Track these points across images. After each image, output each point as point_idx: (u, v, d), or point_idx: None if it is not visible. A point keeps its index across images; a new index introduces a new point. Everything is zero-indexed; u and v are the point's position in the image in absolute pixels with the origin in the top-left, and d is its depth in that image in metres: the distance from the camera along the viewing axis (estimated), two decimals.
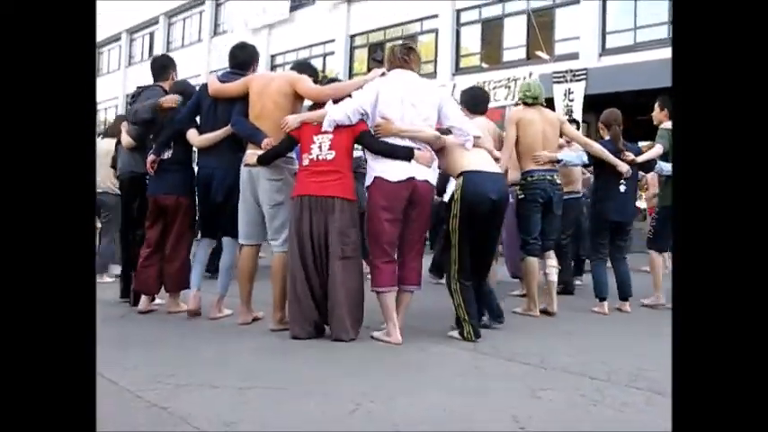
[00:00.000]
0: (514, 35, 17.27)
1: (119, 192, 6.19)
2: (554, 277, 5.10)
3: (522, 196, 4.95)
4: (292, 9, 23.22)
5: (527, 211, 4.94)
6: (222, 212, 4.52)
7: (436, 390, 2.86)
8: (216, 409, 2.51)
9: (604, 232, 5.35)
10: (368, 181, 3.95)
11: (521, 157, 5.04)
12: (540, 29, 16.18)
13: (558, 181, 5.07)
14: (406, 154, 3.83)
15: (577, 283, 6.85)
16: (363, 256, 4.32)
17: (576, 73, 14.86)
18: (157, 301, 4.97)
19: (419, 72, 4.11)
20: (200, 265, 4.74)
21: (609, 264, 5.43)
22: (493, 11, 17.99)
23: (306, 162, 3.96)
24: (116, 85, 30.20)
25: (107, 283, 6.09)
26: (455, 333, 4.03)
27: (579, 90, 14.65)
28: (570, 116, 11.42)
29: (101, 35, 29.52)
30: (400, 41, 4.23)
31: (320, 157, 3.91)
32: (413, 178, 3.82)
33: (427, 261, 4.25)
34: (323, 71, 18.42)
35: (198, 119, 4.66)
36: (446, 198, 3.98)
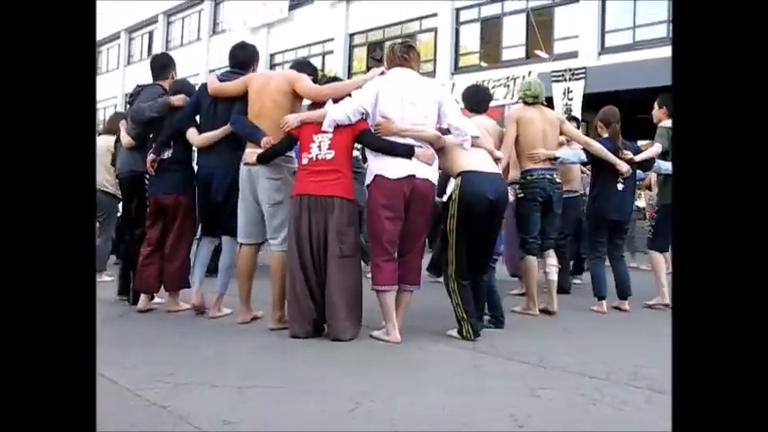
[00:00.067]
0: (513, 34, 17.27)
1: (115, 191, 6.19)
2: (554, 276, 5.10)
3: (522, 195, 4.94)
4: (291, 8, 23.22)
5: (526, 210, 4.94)
6: (222, 211, 4.52)
7: (435, 389, 2.86)
8: (215, 408, 2.51)
9: (603, 231, 5.35)
10: (368, 179, 3.95)
11: (520, 156, 5.05)
12: (540, 28, 16.19)
13: (558, 180, 5.07)
14: (406, 151, 3.82)
15: (577, 281, 6.86)
16: (363, 256, 4.32)
17: (575, 72, 14.87)
18: (156, 300, 4.97)
19: (419, 70, 4.10)
20: (201, 263, 4.76)
21: (607, 262, 5.44)
22: (492, 10, 17.98)
23: (305, 161, 3.96)
24: (115, 84, 30.18)
25: (106, 282, 6.08)
26: (454, 332, 4.03)
27: (578, 89, 14.66)
28: (569, 114, 11.42)
29: (100, 34, 29.47)
30: (399, 40, 4.19)
31: (319, 157, 3.91)
32: (413, 176, 3.82)
33: (425, 260, 4.24)
34: (322, 70, 18.41)
35: (198, 118, 4.66)
36: (444, 198, 3.98)
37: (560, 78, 14.83)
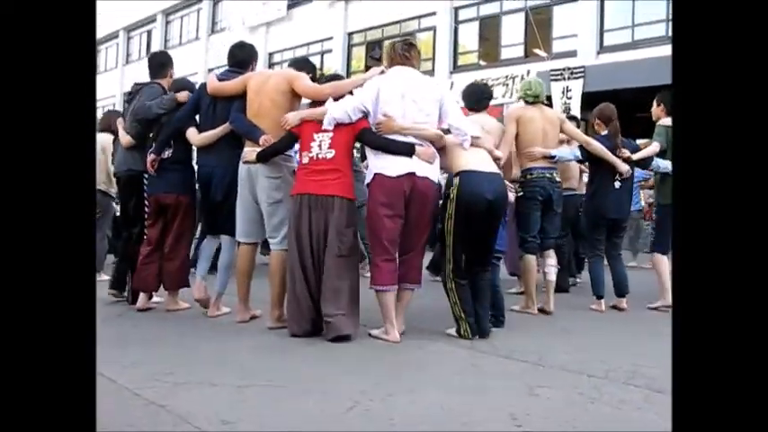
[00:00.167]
0: (512, 33, 17.25)
1: (107, 188, 6.17)
2: (552, 276, 5.10)
3: (522, 194, 4.94)
4: (290, 7, 23.20)
5: (526, 209, 4.94)
6: (221, 211, 4.52)
7: (434, 388, 2.87)
8: (214, 408, 2.51)
9: (601, 229, 5.35)
10: (368, 178, 3.95)
11: (520, 155, 5.05)
12: (538, 26, 16.17)
13: (558, 179, 5.07)
14: (407, 150, 3.81)
15: (577, 281, 6.86)
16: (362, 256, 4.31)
17: (574, 71, 14.87)
18: (155, 298, 4.97)
19: (420, 69, 4.10)
20: (206, 259, 4.78)
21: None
22: (491, 8, 17.97)
23: (305, 160, 3.96)
24: (113, 83, 30.14)
25: (104, 281, 6.06)
26: (452, 331, 4.04)
27: (577, 88, 14.66)
28: (568, 113, 11.42)
29: (98, 33, 29.42)
30: (400, 38, 4.18)
31: (320, 156, 3.91)
32: (413, 174, 3.81)
33: (426, 258, 4.24)
34: (321, 69, 18.41)
35: (197, 118, 4.66)
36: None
37: (559, 77, 14.84)
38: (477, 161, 3.96)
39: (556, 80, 14.79)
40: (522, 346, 3.80)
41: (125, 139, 4.92)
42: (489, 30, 18.09)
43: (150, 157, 4.68)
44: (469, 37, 18.57)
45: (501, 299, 4.42)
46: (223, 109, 4.43)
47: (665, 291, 5.28)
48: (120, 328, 4.21)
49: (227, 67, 4.73)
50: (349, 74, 19.81)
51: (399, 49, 4.02)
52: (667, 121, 5.40)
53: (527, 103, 5.15)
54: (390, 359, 3.48)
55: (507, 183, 4.46)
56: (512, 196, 4.67)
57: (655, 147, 5.31)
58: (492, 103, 5.28)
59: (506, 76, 16.34)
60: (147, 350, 3.58)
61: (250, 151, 4.18)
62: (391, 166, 3.82)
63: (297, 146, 4.26)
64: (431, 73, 17.86)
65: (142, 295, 4.84)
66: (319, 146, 3.92)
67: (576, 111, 13.71)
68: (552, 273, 5.09)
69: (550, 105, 9.63)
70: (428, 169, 3.87)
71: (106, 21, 29.10)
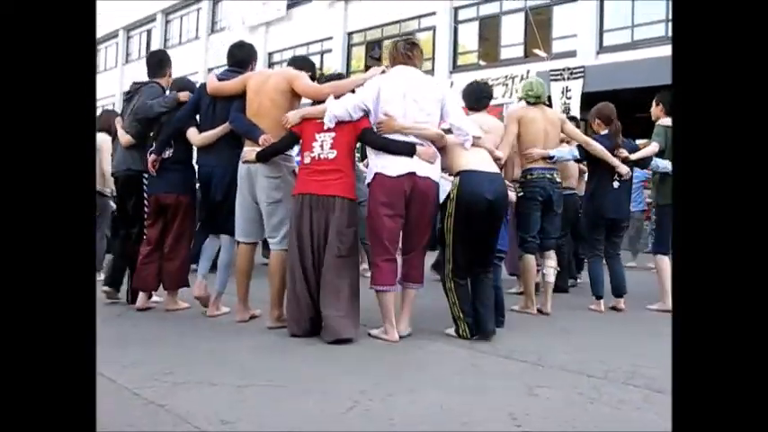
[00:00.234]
0: (512, 33, 17.24)
1: (102, 188, 6.15)
2: (551, 278, 5.10)
3: (522, 194, 4.94)
4: (289, 6, 23.18)
5: (526, 210, 4.94)
6: (220, 210, 4.52)
7: (434, 388, 2.87)
8: (214, 407, 2.51)
9: (600, 229, 5.34)
10: (369, 177, 3.95)
11: (521, 156, 5.05)
12: (538, 27, 16.16)
13: (558, 179, 5.07)
14: (407, 150, 3.81)
15: (579, 281, 6.85)
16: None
17: (574, 71, 14.86)
18: (155, 298, 4.97)
19: (422, 68, 4.09)
20: (207, 257, 4.78)
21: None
22: (490, 8, 17.96)
23: (307, 160, 3.95)
24: (113, 82, 30.13)
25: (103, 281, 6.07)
26: (451, 330, 4.04)
27: (577, 88, 14.65)
28: (568, 113, 11.43)
29: (98, 33, 29.45)
30: (403, 37, 4.17)
31: (322, 156, 3.90)
32: (413, 173, 3.81)
33: (429, 258, 4.23)
34: (320, 69, 18.41)
35: (197, 118, 4.66)
36: (442, 197, 3.97)
37: (559, 77, 14.83)
38: (477, 161, 3.96)
39: (555, 80, 14.78)
40: (522, 346, 3.80)
41: (125, 138, 4.91)
42: (489, 30, 18.09)
43: (151, 157, 4.68)
44: (469, 37, 18.56)
45: (501, 299, 4.41)
46: (223, 109, 4.43)
47: (665, 293, 5.27)
48: (120, 327, 4.21)
49: (226, 67, 4.73)
50: (349, 74, 19.81)
51: (402, 49, 4.02)
52: (666, 121, 5.40)
53: (528, 103, 5.15)
54: (390, 359, 3.48)
55: (508, 182, 4.46)
56: (513, 196, 4.66)
57: (654, 147, 5.31)
58: (492, 102, 5.26)
59: (506, 76, 16.33)
60: (147, 350, 3.58)
61: (249, 151, 4.17)
62: (392, 165, 3.81)
63: (297, 146, 4.26)
64: (430, 73, 17.84)
65: (141, 295, 4.85)
66: (321, 146, 3.91)
67: (575, 111, 13.72)
68: (551, 274, 5.09)
69: (550, 106, 9.66)
70: (429, 169, 3.87)
71: (106, 20, 29.09)
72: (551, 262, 5.11)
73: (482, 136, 4.11)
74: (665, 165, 5.29)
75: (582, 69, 14.73)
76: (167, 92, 4.94)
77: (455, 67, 18.31)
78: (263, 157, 4.10)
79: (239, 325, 4.31)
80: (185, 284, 4.81)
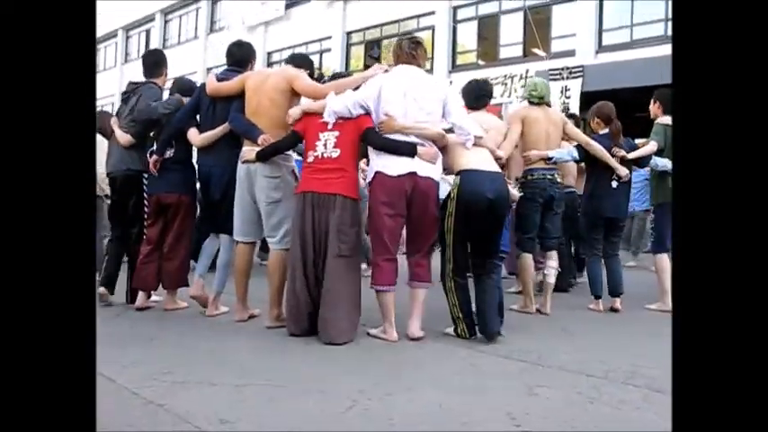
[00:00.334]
0: (511, 32, 17.25)
1: (101, 192, 6.12)
2: (552, 279, 5.10)
3: (522, 194, 4.94)
4: (288, 6, 23.18)
5: (526, 210, 4.94)
6: (219, 210, 4.52)
7: (433, 387, 2.87)
8: (213, 407, 2.51)
9: (598, 228, 5.33)
10: (369, 177, 3.95)
11: (522, 156, 5.05)
12: (537, 26, 16.17)
13: (559, 179, 5.07)
14: (409, 150, 3.80)
15: (580, 280, 6.84)
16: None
17: (573, 70, 14.88)
18: (154, 297, 4.97)
19: (425, 67, 4.07)
20: (207, 256, 4.78)
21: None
22: (489, 8, 17.97)
23: (311, 159, 3.94)
24: (112, 82, 30.09)
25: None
26: (450, 330, 4.04)
27: (576, 87, 14.67)
28: (567, 112, 11.43)
29: (97, 32, 29.40)
30: (407, 36, 4.17)
31: (325, 155, 3.89)
32: (414, 173, 3.80)
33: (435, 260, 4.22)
34: (319, 69, 18.40)
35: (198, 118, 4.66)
36: (442, 196, 3.96)
37: (558, 77, 14.84)
38: (478, 160, 3.95)
39: (554, 80, 14.77)
40: (522, 345, 3.80)
41: (124, 138, 4.87)
42: (488, 29, 18.09)
43: (153, 157, 4.68)
44: (468, 36, 18.57)
45: (501, 299, 4.40)
46: (222, 109, 4.42)
47: (665, 293, 5.27)
48: (119, 327, 4.20)
49: (226, 67, 4.72)
50: (348, 74, 19.76)
51: (406, 48, 4.01)
52: (665, 119, 5.39)
53: (532, 103, 5.15)
54: (389, 359, 3.48)
55: (509, 181, 4.45)
56: (516, 194, 4.63)
57: (652, 146, 5.30)
58: (491, 102, 5.26)
59: (505, 76, 16.33)
60: (146, 349, 3.58)
61: (249, 150, 4.17)
62: (392, 165, 3.81)
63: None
64: (429, 72, 17.79)
65: (141, 294, 4.85)
66: (324, 145, 3.90)
67: (574, 110, 13.71)
68: (552, 275, 5.09)
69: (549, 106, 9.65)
70: (430, 169, 3.86)
71: (105, 20, 29.04)
72: (553, 262, 5.11)
73: (483, 135, 4.11)
74: (664, 163, 5.28)
75: (581, 69, 14.74)
76: (166, 92, 4.93)
77: (454, 67, 18.32)
78: (262, 157, 4.09)
79: (238, 324, 4.31)
80: (185, 284, 4.82)
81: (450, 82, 16.29)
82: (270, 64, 22.90)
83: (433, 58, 18.54)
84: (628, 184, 5.36)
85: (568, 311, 5.15)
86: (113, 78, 30.52)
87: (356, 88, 4.02)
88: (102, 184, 5.57)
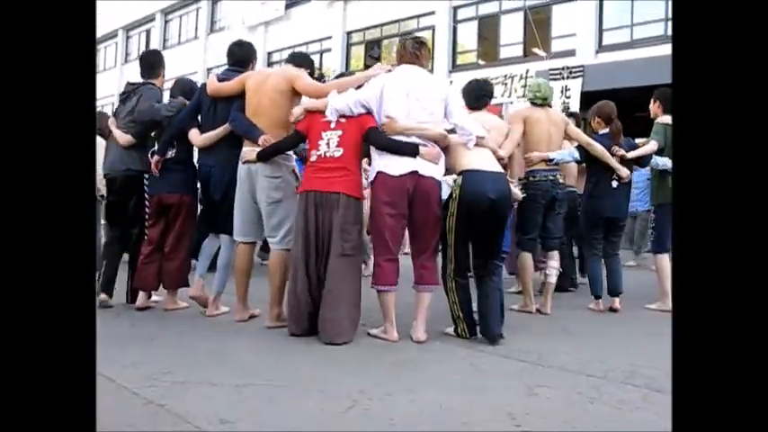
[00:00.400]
0: (511, 32, 17.24)
1: (97, 193, 6.09)
2: (553, 279, 5.09)
3: (524, 195, 4.93)
4: (288, 6, 23.16)
5: (528, 211, 4.93)
6: (219, 210, 4.52)
7: (433, 387, 2.87)
8: (213, 407, 2.51)
9: (598, 228, 5.33)
10: (371, 176, 3.94)
11: (523, 157, 5.05)
12: (537, 26, 16.16)
13: (561, 180, 5.07)
14: (411, 150, 3.80)
15: (584, 281, 6.83)
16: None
17: (573, 70, 14.87)
18: (154, 297, 4.97)
19: (428, 67, 4.07)
20: (206, 256, 4.79)
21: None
22: (490, 8, 17.96)
23: (313, 158, 3.93)
24: (112, 82, 30.06)
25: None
26: (450, 330, 4.04)
27: (576, 87, 14.66)
28: (568, 111, 11.43)
29: (97, 32, 29.38)
30: (411, 36, 4.17)
31: (328, 154, 3.88)
32: (416, 172, 3.80)
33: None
34: (319, 69, 18.39)
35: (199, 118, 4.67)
36: (444, 196, 3.96)
37: (558, 76, 14.83)
38: (480, 160, 3.94)
39: (554, 79, 14.76)
40: (522, 345, 3.80)
41: (125, 138, 4.84)
42: (488, 29, 18.08)
43: (155, 158, 4.67)
44: (468, 36, 18.56)
45: (502, 300, 4.40)
46: (223, 110, 4.42)
47: (664, 294, 5.27)
48: (119, 327, 4.20)
49: (227, 67, 4.72)
50: (348, 74, 19.74)
51: (410, 47, 4.01)
52: (665, 118, 5.39)
53: (535, 104, 5.15)
54: (389, 358, 3.48)
55: (512, 180, 4.44)
56: (518, 193, 4.61)
57: (652, 145, 5.30)
58: (491, 102, 5.26)
59: (505, 76, 16.32)
60: (146, 350, 3.58)
61: (249, 151, 4.17)
62: (394, 164, 3.81)
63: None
64: (430, 72, 17.79)
65: (141, 294, 4.84)
66: (327, 144, 3.89)
67: (575, 110, 13.70)
68: (553, 275, 5.09)
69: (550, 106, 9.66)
70: (432, 168, 3.86)
71: (105, 20, 29.04)
72: (554, 263, 5.11)
73: (485, 135, 4.10)
74: (664, 162, 5.27)
75: (581, 68, 14.73)
76: (165, 93, 4.93)
77: (454, 67, 18.30)
78: (263, 157, 4.09)
79: (239, 324, 4.31)
80: (185, 284, 4.81)
81: (451, 82, 16.26)
82: (270, 64, 22.88)
83: (433, 58, 18.49)
84: (628, 184, 5.35)
85: (568, 311, 5.15)
86: (113, 78, 30.49)
87: (359, 87, 4.02)
88: (99, 185, 5.54)
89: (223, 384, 2.84)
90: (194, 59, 26.16)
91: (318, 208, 3.83)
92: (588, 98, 13.24)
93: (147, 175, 4.83)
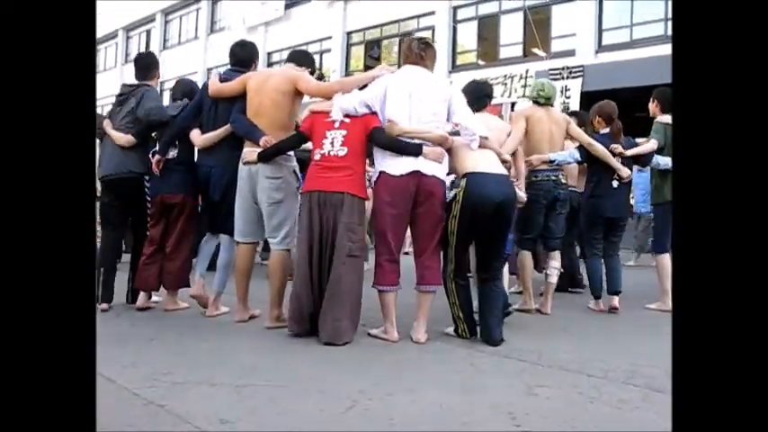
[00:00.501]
0: (511, 32, 17.25)
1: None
2: (554, 279, 5.09)
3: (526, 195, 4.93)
4: (288, 6, 23.17)
5: (529, 211, 4.92)
6: (219, 210, 4.52)
7: (434, 387, 2.87)
8: (213, 407, 2.51)
9: (599, 228, 5.33)
10: (374, 176, 3.94)
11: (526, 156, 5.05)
12: (537, 26, 16.17)
13: (564, 180, 5.07)
14: (414, 150, 3.79)
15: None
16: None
17: (573, 70, 14.89)
18: (154, 298, 4.97)
19: (433, 69, 4.06)
20: (205, 256, 4.80)
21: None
22: (489, 8, 17.97)
23: (317, 157, 3.92)
24: (113, 82, 29.96)
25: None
26: (450, 330, 4.04)
27: (576, 87, 14.68)
28: (568, 111, 11.43)
29: (97, 33, 29.39)
30: (417, 37, 4.16)
31: (332, 153, 3.87)
32: (419, 172, 3.79)
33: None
34: (319, 69, 18.39)
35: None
36: (448, 199, 3.94)
37: (558, 76, 14.84)
38: (484, 162, 3.92)
39: (554, 79, 14.75)
40: (522, 345, 3.80)
41: (125, 138, 4.79)
42: (488, 29, 18.09)
43: (156, 157, 4.66)
44: (468, 36, 18.57)
45: (506, 300, 4.39)
46: (225, 110, 4.42)
47: (665, 293, 5.27)
48: (119, 327, 4.21)
49: (229, 67, 4.72)
50: (348, 73, 19.82)
51: (416, 48, 4.00)
52: (664, 118, 5.39)
53: (538, 104, 5.15)
54: (390, 359, 3.48)
55: (516, 182, 4.43)
56: (523, 196, 4.59)
57: (652, 144, 5.30)
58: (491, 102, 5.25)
59: (505, 76, 16.34)
60: (146, 350, 3.58)
61: (250, 152, 4.17)
62: (396, 164, 3.80)
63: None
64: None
65: (142, 294, 4.85)
66: (332, 143, 3.88)
67: (579, 110, 13.71)
68: (554, 275, 5.09)
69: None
70: (435, 168, 3.85)
71: (105, 20, 29.06)
72: (555, 263, 5.11)
73: (489, 136, 4.08)
74: (665, 162, 5.27)
75: (581, 68, 14.75)
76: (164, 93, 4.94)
77: (454, 67, 18.31)
78: (264, 158, 4.09)
79: (239, 325, 4.31)
80: (186, 285, 4.81)
81: (450, 82, 16.25)
82: (270, 64, 22.87)
83: None
84: (628, 184, 5.36)
85: (568, 311, 5.15)
86: (113, 79, 30.45)
87: (362, 88, 4.02)
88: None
89: (223, 385, 2.84)
90: (194, 60, 26.18)
91: (322, 208, 3.81)
92: (588, 98, 13.25)
93: (147, 177, 4.82)
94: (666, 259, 5.30)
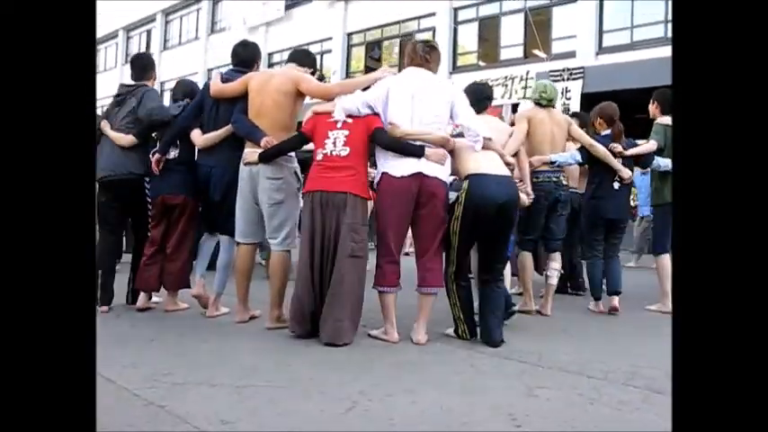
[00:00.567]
0: (511, 33, 17.26)
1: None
2: (554, 281, 5.10)
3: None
4: (288, 7, 23.18)
5: (531, 213, 4.93)
6: (219, 211, 4.52)
7: (434, 388, 2.87)
8: (214, 408, 2.51)
9: (599, 229, 5.33)
10: (376, 178, 3.94)
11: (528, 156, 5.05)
12: (538, 27, 16.18)
13: (565, 182, 5.07)
14: (416, 151, 3.79)
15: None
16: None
17: (573, 71, 14.88)
18: (154, 298, 4.97)
19: (437, 71, 4.06)
20: (204, 256, 4.80)
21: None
22: (490, 9, 17.98)
23: (320, 157, 3.91)
24: (113, 82, 29.95)
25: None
26: (450, 330, 4.04)
27: (576, 88, 14.67)
28: (568, 112, 11.44)
29: (98, 33, 29.42)
30: (422, 39, 4.16)
31: (334, 153, 3.86)
32: (420, 173, 3.79)
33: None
34: (320, 70, 18.39)
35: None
36: (451, 200, 3.94)
37: (558, 78, 14.82)
38: (487, 164, 3.91)
39: (555, 81, 14.75)
40: (522, 346, 3.80)
41: (126, 138, 4.77)
42: (489, 30, 18.10)
43: (155, 156, 4.66)
44: (469, 38, 18.57)
45: (509, 300, 4.39)
46: (226, 110, 4.41)
47: (665, 295, 5.27)
48: (119, 328, 4.21)
49: (230, 67, 4.73)
50: (348, 74, 19.83)
51: (420, 51, 4.00)
52: (664, 119, 5.40)
53: (541, 105, 5.15)
54: (390, 359, 3.48)
55: (519, 184, 4.43)
56: (526, 198, 4.58)
57: (652, 144, 5.30)
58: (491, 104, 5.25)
59: (506, 77, 16.32)
60: (147, 350, 3.58)
61: (251, 152, 4.17)
62: (399, 165, 3.80)
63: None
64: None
65: (142, 295, 4.85)
66: (334, 143, 3.87)
67: (581, 111, 13.71)
68: (555, 276, 5.09)
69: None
70: (437, 169, 3.84)
71: (106, 20, 29.10)
72: (556, 264, 5.11)
73: (492, 137, 4.07)
74: (666, 163, 5.28)
75: (581, 70, 14.75)
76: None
77: (455, 68, 18.31)
78: (265, 158, 4.09)
79: (239, 326, 4.31)
80: (186, 285, 4.81)
81: (451, 83, 16.27)
82: (271, 65, 22.88)
83: None
84: (629, 185, 5.36)
85: (568, 313, 5.16)
86: (113, 79, 30.46)
87: (365, 89, 4.02)
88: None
89: (223, 385, 2.84)
90: (195, 60, 26.19)
91: (324, 208, 3.80)
92: (588, 100, 13.26)
93: (147, 179, 4.82)
94: (666, 261, 5.30)
